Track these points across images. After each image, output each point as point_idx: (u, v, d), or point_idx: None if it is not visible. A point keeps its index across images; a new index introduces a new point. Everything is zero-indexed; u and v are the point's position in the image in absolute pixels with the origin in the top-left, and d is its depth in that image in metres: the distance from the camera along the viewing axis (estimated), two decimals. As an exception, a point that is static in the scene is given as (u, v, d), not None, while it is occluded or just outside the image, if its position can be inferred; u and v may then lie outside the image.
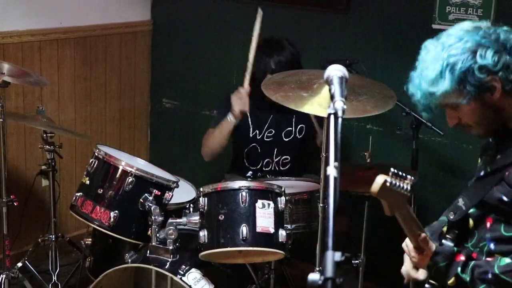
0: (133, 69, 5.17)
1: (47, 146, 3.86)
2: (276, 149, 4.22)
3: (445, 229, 2.50)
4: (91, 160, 3.45)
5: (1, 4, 4.41)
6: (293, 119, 4.19)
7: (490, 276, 2.24)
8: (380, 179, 2.13)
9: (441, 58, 2.23)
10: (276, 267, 3.74)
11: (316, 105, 3.13)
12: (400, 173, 2.13)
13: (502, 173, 2.27)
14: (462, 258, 2.30)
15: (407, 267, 2.47)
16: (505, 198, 2.25)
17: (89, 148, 3.54)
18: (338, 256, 1.66)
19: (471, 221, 2.38)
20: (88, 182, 3.42)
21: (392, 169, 2.13)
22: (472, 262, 2.29)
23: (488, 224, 2.33)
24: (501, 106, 2.28)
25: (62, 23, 4.72)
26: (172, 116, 5.32)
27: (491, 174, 2.32)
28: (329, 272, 1.63)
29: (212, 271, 3.33)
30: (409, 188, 2.15)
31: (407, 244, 2.39)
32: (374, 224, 3.74)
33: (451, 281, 2.31)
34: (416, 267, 2.47)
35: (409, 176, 2.14)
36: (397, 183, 2.13)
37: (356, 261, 3.68)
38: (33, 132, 4.40)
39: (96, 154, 3.43)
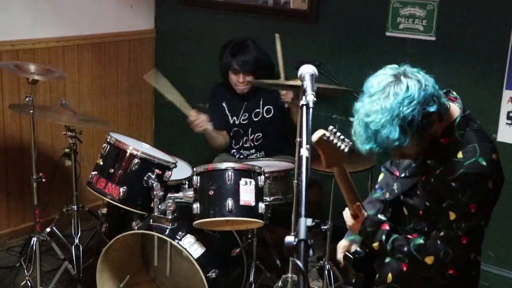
0: (140, 69, 5.09)
1: (70, 133, 3.81)
2: (250, 129, 4.19)
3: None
4: (104, 145, 3.40)
5: (32, 16, 4.32)
6: (261, 102, 4.14)
7: (405, 249, 2.28)
8: (319, 131, 2.13)
9: (394, 118, 2.04)
10: (258, 232, 3.69)
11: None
12: (339, 134, 2.11)
13: (418, 177, 2.32)
14: (387, 227, 2.32)
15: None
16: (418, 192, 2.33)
17: (103, 135, 3.50)
18: (309, 221, 1.66)
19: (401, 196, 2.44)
20: (101, 163, 3.37)
21: (330, 127, 2.12)
22: (393, 236, 2.32)
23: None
24: (435, 131, 2.21)
25: (82, 32, 4.64)
26: (172, 108, 5.24)
27: (409, 177, 2.37)
28: (302, 234, 1.62)
29: (204, 236, 3.29)
30: (346, 149, 2.10)
31: (346, 211, 2.43)
32: (340, 196, 3.68)
33: (375, 244, 2.34)
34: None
35: (347, 140, 2.11)
36: (334, 140, 2.10)
37: (324, 227, 3.62)
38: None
39: (108, 140, 3.38)
